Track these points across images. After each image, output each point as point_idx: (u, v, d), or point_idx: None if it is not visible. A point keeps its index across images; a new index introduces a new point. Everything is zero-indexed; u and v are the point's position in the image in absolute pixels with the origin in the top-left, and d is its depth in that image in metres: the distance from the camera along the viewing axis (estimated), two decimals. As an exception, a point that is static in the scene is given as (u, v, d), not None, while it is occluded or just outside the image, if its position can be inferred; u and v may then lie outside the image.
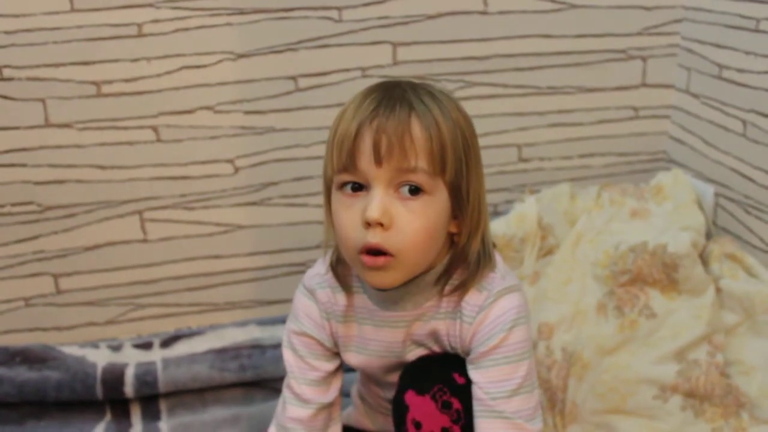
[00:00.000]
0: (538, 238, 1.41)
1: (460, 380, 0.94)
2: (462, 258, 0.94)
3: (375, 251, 0.86)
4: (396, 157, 0.85)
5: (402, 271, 0.89)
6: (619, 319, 1.28)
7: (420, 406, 0.93)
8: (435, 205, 0.88)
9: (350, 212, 0.88)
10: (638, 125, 1.62)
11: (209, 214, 1.52)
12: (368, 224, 0.86)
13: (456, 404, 0.93)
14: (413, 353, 0.99)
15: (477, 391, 0.92)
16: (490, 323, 0.92)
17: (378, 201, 0.86)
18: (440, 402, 0.93)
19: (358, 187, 0.88)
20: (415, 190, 0.87)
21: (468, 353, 0.95)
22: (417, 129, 0.86)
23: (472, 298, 0.94)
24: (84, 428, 1.36)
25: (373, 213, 0.85)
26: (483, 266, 0.94)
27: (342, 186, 0.89)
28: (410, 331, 0.97)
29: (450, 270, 0.95)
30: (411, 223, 0.86)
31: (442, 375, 0.95)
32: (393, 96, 0.88)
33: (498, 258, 0.97)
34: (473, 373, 0.94)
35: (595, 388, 1.25)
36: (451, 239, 0.95)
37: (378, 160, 0.85)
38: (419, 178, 0.86)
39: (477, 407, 0.93)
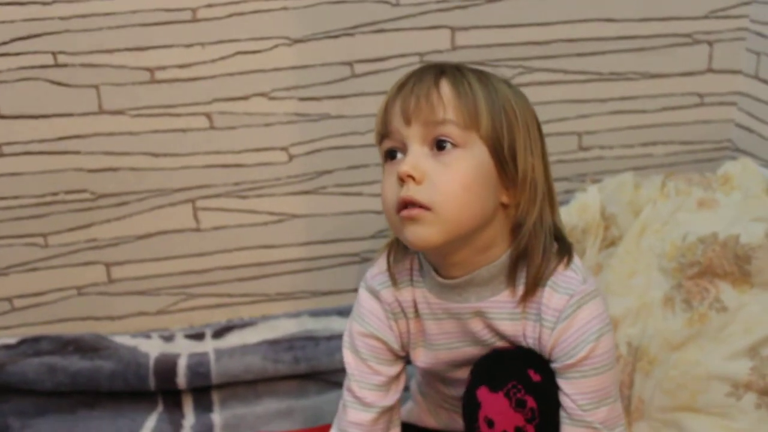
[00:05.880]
0: (600, 228, 1.37)
1: (536, 377, 0.91)
2: (519, 238, 0.90)
3: (410, 205, 0.86)
4: (424, 112, 0.86)
5: (439, 226, 0.86)
6: (688, 313, 1.23)
7: (493, 403, 0.90)
8: (469, 159, 0.87)
9: (390, 176, 0.89)
10: (703, 112, 1.56)
11: (262, 202, 1.50)
12: (402, 180, 0.86)
13: (530, 403, 0.89)
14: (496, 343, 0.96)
15: (566, 400, 0.91)
16: (574, 332, 0.89)
17: (409, 156, 0.87)
18: (514, 400, 0.89)
19: (398, 152, 0.89)
20: (447, 143, 0.86)
21: (549, 358, 0.92)
22: (445, 86, 0.87)
23: (552, 301, 0.90)
24: (136, 418, 1.36)
25: (403, 167, 0.86)
26: (551, 257, 0.91)
27: (385, 155, 0.91)
28: (484, 320, 0.94)
29: (514, 262, 0.91)
30: (442, 175, 0.86)
31: (516, 371, 0.91)
32: (429, 66, 0.91)
33: (578, 260, 0.93)
34: (561, 383, 0.91)
35: (662, 384, 1.21)
36: (513, 231, 0.91)
37: (407, 119, 0.87)
38: (449, 130, 0.86)
39: (564, 414, 0.91)
